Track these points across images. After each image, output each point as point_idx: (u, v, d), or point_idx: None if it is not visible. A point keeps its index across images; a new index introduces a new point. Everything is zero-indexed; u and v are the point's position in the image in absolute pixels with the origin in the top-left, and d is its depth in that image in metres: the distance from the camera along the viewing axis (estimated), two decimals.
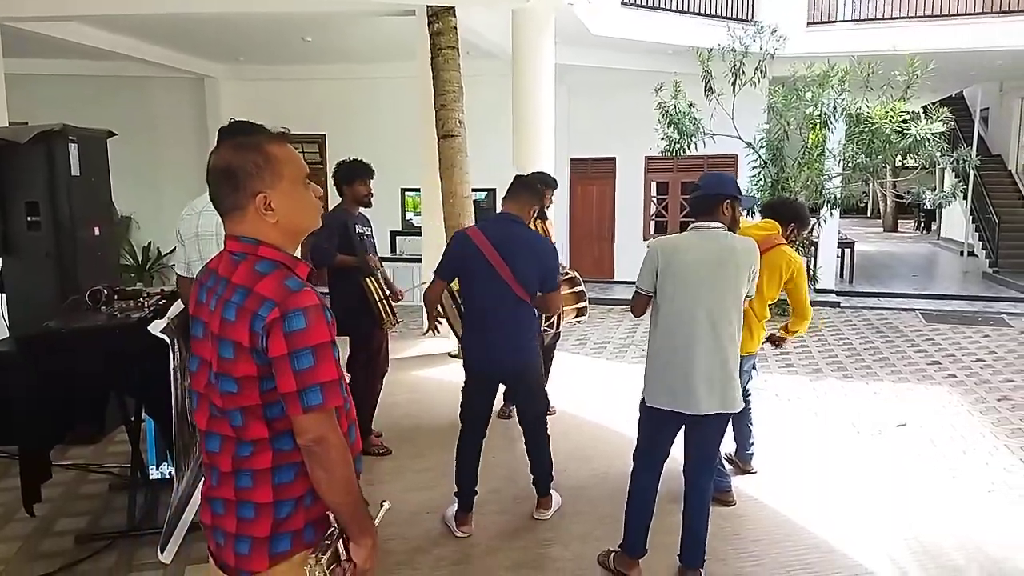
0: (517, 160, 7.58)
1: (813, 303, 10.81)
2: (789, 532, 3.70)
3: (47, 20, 8.05)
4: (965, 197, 14.13)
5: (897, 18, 11.41)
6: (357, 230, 4.45)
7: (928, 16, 11.23)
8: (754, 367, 4.20)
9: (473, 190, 6.97)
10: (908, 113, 8.97)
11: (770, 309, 4.06)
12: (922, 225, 24.14)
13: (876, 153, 9.21)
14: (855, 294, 12.11)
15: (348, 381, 4.48)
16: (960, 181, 13.63)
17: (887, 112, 8.86)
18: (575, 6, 8.18)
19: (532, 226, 4.77)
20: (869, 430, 5.47)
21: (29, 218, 4.71)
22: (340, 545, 1.59)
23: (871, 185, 11.29)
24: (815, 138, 9.52)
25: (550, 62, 7.55)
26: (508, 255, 3.38)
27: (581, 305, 5.11)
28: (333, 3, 7.38)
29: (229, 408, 1.53)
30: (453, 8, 6.70)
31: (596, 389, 6.24)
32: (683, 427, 3.12)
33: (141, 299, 3.84)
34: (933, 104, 10.49)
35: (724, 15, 11.03)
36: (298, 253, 1.70)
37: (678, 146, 9.55)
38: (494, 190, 11.23)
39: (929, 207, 16.77)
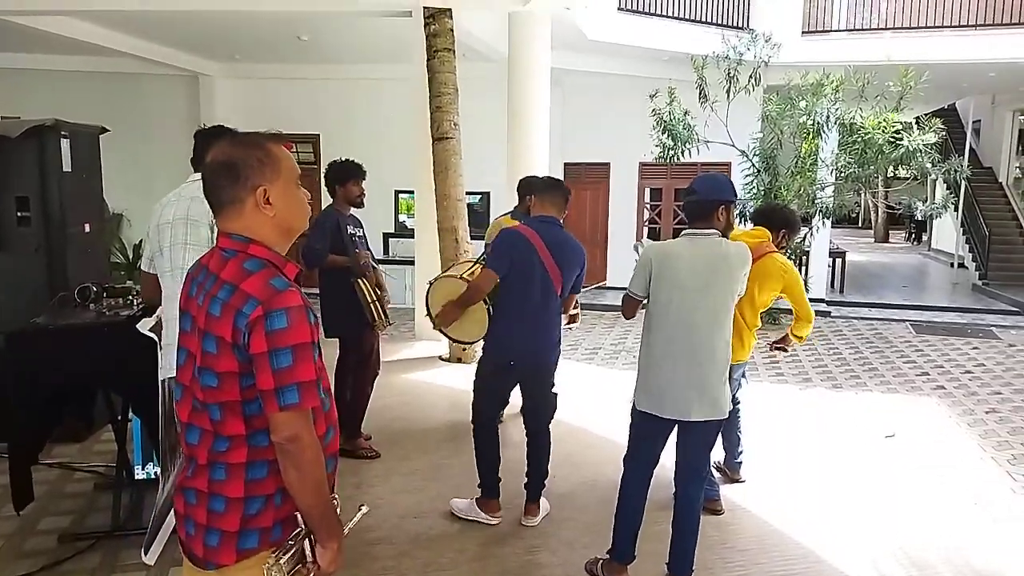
0: (511, 164, 7.58)
1: None
2: (777, 542, 3.70)
3: (40, 14, 8.00)
4: (956, 209, 14.22)
5: (891, 28, 11.47)
6: (349, 230, 4.43)
7: (922, 27, 11.30)
8: (744, 375, 4.20)
9: (467, 193, 6.96)
10: (901, 124, 9.02)
11: (760, 318, 4.06)
12: (913, 236, 24.28)
13: (868, 163, 9.26)
14: (845, 304, 12.17)
15: (336, 383, 4.46)
16: (951, 193, 13.74)
17: (880, 122, 8.90)
18: (571, 10, 8.19)
19: None
20: (858, 440, 5.48)
21: (19, 213, 4.67)
22: (307, 545, 1.61)
23: (863, 195, 11.30)
24: (808, 147, 9.56)
25: (546, 66, 7.57)
26: (560, 258, 3.56)
27: (573, 312, 5.10)
28: (330, 3, 7.37)
29: (209, 402, 1.56)
30: (450, 10, 6.70)
31: (587, 395, 6.22)
32: (673, 433, 3.11)
33: (130, 297, 3.82)
34: (925, 115, 10.54)
35: (719, 22, 11.06)
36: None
37: (672, 153, 9.57)
38: (488, 193, 11.24)
39: (920, 218, 16.84)
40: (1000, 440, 5.59)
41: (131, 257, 11.91)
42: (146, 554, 3.13)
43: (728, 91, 9.23)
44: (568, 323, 5.21)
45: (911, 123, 9.15)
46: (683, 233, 3.08)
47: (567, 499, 4.07)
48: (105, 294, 3.77)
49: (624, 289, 3.15)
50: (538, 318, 3.58)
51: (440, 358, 7.11)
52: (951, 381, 7.37)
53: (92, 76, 11.50)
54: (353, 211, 4.57)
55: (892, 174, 14.63)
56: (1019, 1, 10.86)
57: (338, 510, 1.67)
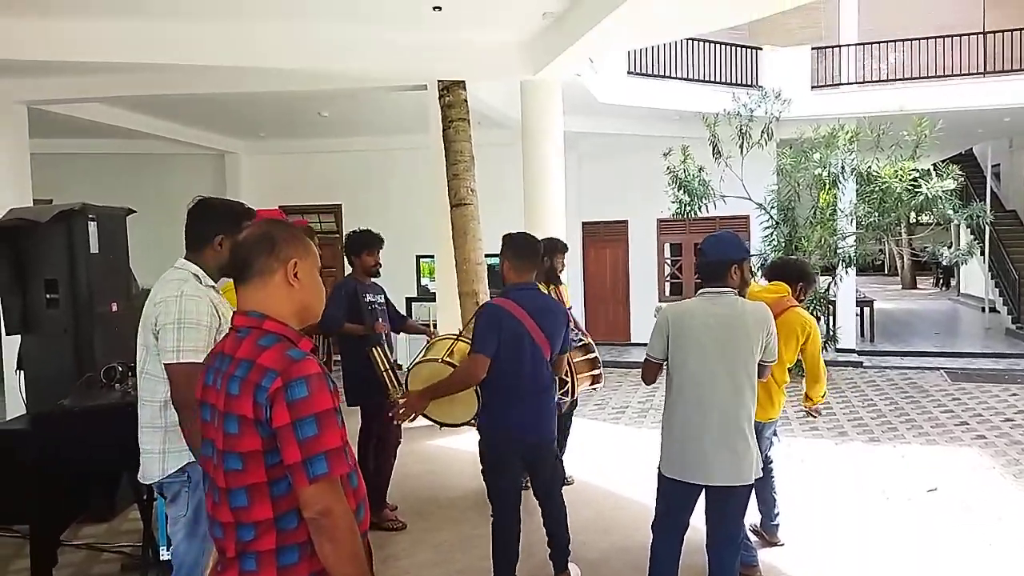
0: (528, 226, 7.64)
1: (835, 363, 10.62)
2: None
3: (73, 102, 8.35)
4: (982, 253, 14.03)
5: (902, 79, 11.58)
6: (367, 299, 4.47)
7: (932, 77, 11.40)
8: (775, 433, 4.10)
9: (486, 256, 7.02)
10: (918, 171, 8.99)
11: (789, 372, 4.00)
12: (941, 281, 23.95)
13: (888, 212, 9.21)
14: (877, 353, 11.93)
15: (359, 453, 4.41)
16: (976, 238, 13.57)
17: (896, 171, 8.89)
18: (582, 76, 8.38)
19: (547, 292, 4.81)
20: (899, 496, 5.28)
21: (48, 295, 4.77)
22: None
23: (886, 243, 11.21)
24: (826, 198, 9.54)
25: (559, 130, 7.70)
26: (545, 325, 3.43)
27: (596, 372, 5.07)
28: (350, 80, 7.61)
29: (234, 487, 1.53)
30: (463, 82, 6.89)
31: (615, 456, 6.12)
32: (702, 499, 3.02)
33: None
34: (943, 161, 10.53)
35: (728, 81, 11.25)
36: None
37: (689, 208, 9.61)
38: None
39: (946, 264, 16.65)
40: None
41: None
42: None
43: (741, 147, 9.31)
44: (591, 384, 5.19)
45: (929, 170, 9.12)
46: (699, 293, 3.05)
47: (598, 566, 3.96)
48: (131, 373, 3.79)
49: (646, 345, 3.10)
50: (532, 392, 3.41)
51: (456, 427, 7.03)
52: (992, 430, 7.14)
53: (121, 158, 11.91)
54: (376, 279, 4.64)
55: (915, 220, 14.52)
56: None
57: None
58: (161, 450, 2.52)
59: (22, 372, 4.92)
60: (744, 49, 11.65)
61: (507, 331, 3.32)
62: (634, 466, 5.59)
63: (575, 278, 12.41)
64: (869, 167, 9.24)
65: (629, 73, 10.26)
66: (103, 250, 4.93)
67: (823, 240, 9.46)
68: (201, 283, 2.47)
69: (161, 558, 3.77)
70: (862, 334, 13.02)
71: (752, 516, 4.07)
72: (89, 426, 3.42)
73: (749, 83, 11.17)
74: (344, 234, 11.81)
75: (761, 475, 3.08)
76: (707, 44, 11.24)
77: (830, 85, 11.73)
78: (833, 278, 10.00)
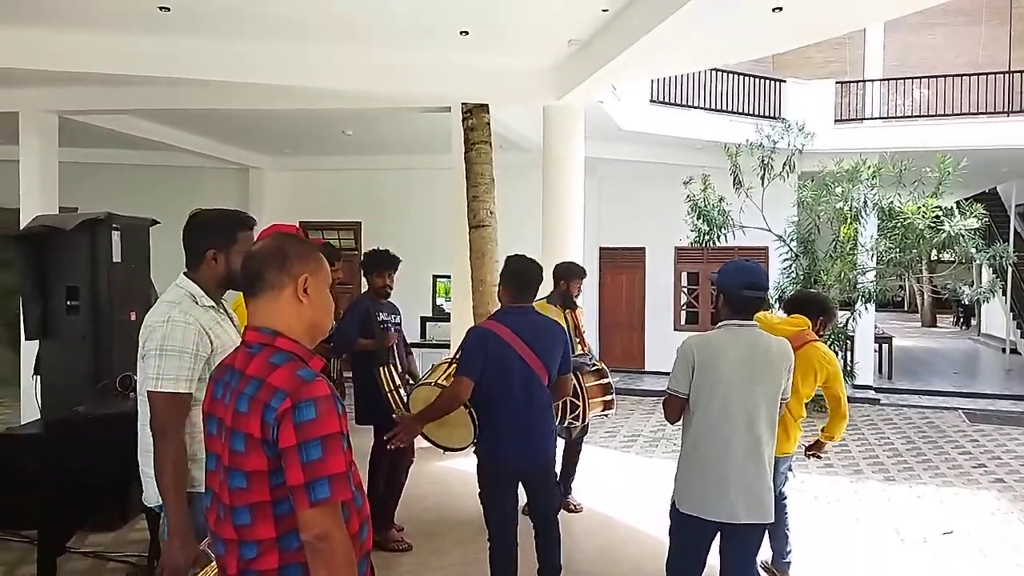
0: (546, 250, 7.66)
1: (852, 400, 10.50)
2: None
3: (103, 113, 8.51)
4: (1004, 293, 13.86)
5: (926, 116, 11.54)
6: (380, 317, 4.49)
7: (956, 114, 11.35)
8: (790, 468, 4.05)
9: None
10: (941, 209, 8.92)
11: (806, 407, 3.95)
12: (961, 320, 23.64)
13: (909, 248, 9.13)
14: (895, 391, 11.76)
15: (370, 471, 4.39)
16: (998, 277, 13.41)
17: (919, 208, 8.83)
18: (605, 103, 8.43)
19: (563, 316, 4.79)
20: (914, 537, 5.18)
21: (69, 302, 4.83)
22: None
23: (906, 280, 11.10)
24: (847, 232, 9.49)
25: (580, 156, 7.73)
26: (537, 345, 3.36)
27: (608, 398, 5.03)
28: (375, 101, 7.71)
29: (237, 505, 1.52)
30: (487, 105, 6.96)
31: (625, 486, 6.05)
32: (717, 538, 2.96)
33: None
34: (966, 200, 10.44)
35: (751, 112, 11.26)
36: None
37: (708, 237, 9.59)
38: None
39: (967, 303, 16.45)
40: None
41: None
42: None
43: (762, 178, 9.29)
44: (604, 410, 5.15)
45: (952, 208, 9.05)
46: (721, 325, 2.96)
47: None
48: None
49: (660, 373, 3.05)
50: (525, 416, 3.36)
51: (475, 443, 7.00)
52: (1011, 473, 7.00)
53: (148, 169, 12.09)
54: (392, 299, 4.67)
55: (936, 258, 14.40)
56: None
57: None
58: (149, 474, 2.46)
59: (39, 377, 4.97)
60: (768, 81, 11.67)
61: (493, 354, 3.28)
62: (645, 497, 5.52)
63: (591, 303, 12.37)
64: (891, 203, 9.18)
65: (652, 101, 10.30)
66: (125, 259, 5.00)
67: (843, 274, 9.39)
68: (197, 303, 2.31)
69: None
70: (880, 371, 12.86)
71: (764, 553, 4.01)
72: (102, 434, 3.44)
73: (772, 115, 11.18)
74: (362, 252, 11.93)
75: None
76: (731, 75, 11.27)
77: (853, 119, 11.70)
78: (852, 313, 9.90)
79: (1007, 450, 7.96)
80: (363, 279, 4.77)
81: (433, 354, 9.88)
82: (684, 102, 10.78)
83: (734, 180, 9.44)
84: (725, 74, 11.20)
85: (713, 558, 3.04)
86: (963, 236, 8.75)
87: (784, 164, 9.31)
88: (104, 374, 4.42)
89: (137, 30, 6.07)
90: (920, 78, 11.99)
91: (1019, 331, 14.96)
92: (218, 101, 7.79)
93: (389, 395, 4.24)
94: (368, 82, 6.96)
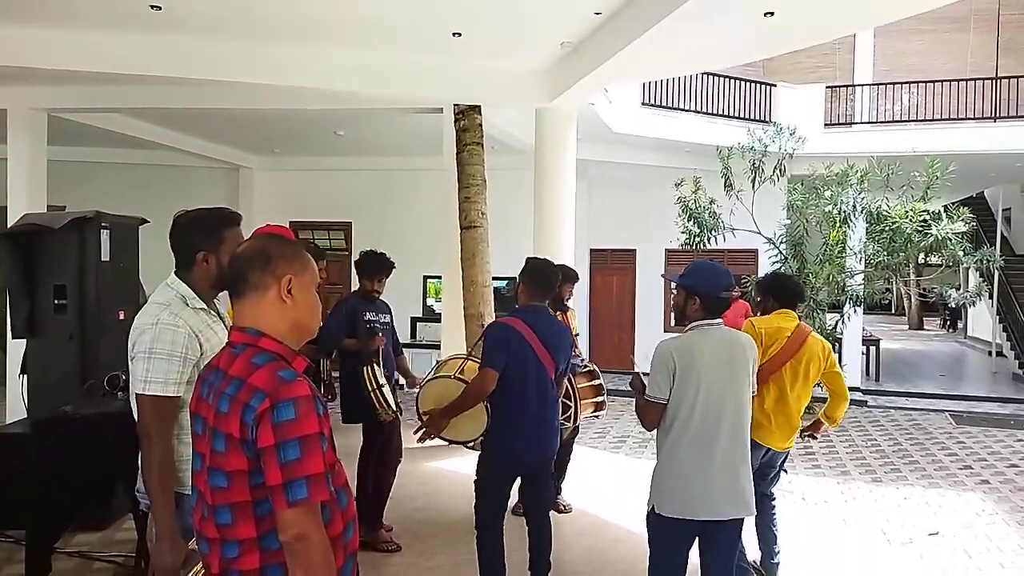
0: (537, 251, 7.66)
1: None
2: None
3: (92, 111, 8.46)
4: (991, 297, 13.97)
5: (915, 121, 11.63)
6: (367, 317, 4.49)
7: (945, 119, 11.45)
8: (784, 467, 4.09)
9: (495, 278, 7.06)
10: (928, 213, 8.99)
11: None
12: (948, 323, 23.82)
13: (897, 252, 9.19)
14: (882, 393, 11.85)
15: (359, 471, 4.38)
16: (985, 281, 13.52)
17: (907, 212, 8.90)
18: (596, 106, 8.45)
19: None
20: (900, 538, 5.22)
21: (56, 301, 4.80)
22: None
23: (894, 283, 11.18)
24: (836, 235, 9.54)
25: (572, 158, 7.75)
26: (551, 346, 3.53)
27: (600, 399, 5.05)
28: (367, 102, 7.70)
29: (219, 504, 1.52)
30: (479, 107, 6.97)
31: (615, 487, 6.06)
32: (697, 538, 2.96)
33: None
34: (954, 204, 10.53)
35: (742, 116, 11.32)
36: None
37: (698, 239, 9.62)
38: (515, 278, 11.32)
39: (953, 306, 16.59)
40: None
41: None
42: None
43: (753, 181, 9.33)
44: (595, 411, 5.16)
45: (939, 212, 9.12)
46: (694, 326, 2.97)
47: None
48: None
49: (648, 386, 2.97)
50: (537, 412, 3.52)
51: (465, 446, 7.00)
52: (996, 475, 7.06)
53: (137, 168, 12.04)
54: (383, 298, 4.66)
55: (923, 261, 14.50)
56: None
57: None
58: None
59: (25, 376, 4.94)
60: (759, 85, 11.73)
61: (514, 349, 3.43)
62: (634, 497, 5.51)
63: (581, 304, 12.39)
64: (879, 206, 9.24)
65: (643, 104, 10.34)
66: (114, 258, 4.98)
67: (831, 277, 9.45)
68: (188, 305, 2.28)
69: None
70: (867, 373, 12.94)
71: (752, 552, 4.02)
72: (89, 433, 3.42)
73: (762, 119, 11.24)
74: (353, 252, 11.91)
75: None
76: (722, 79, 11.33)
77: (843, 124, 11.78)
78: (840, 316, 9.96)
79: (992, 452, 8.03)
80: (355, 278, 4.77)
81: (423, 354, 9.88)
82: (675, 105, 10.82)
83: (725, 183, 9.48)
84: (716, 78, 11.26)
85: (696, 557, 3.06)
86: (950, 240, 8.82)
87: (775, 167, 9.36)
88: (91, 373, 4.39)
89: (128, 28, 6.03)
90: (909, 83, 12.09)
91: (1005, 334, 15.08)
92: (209, 100, 7.76)
93: (372, 394, 4.25)
94: (360, 83, 6.94)
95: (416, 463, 6.23)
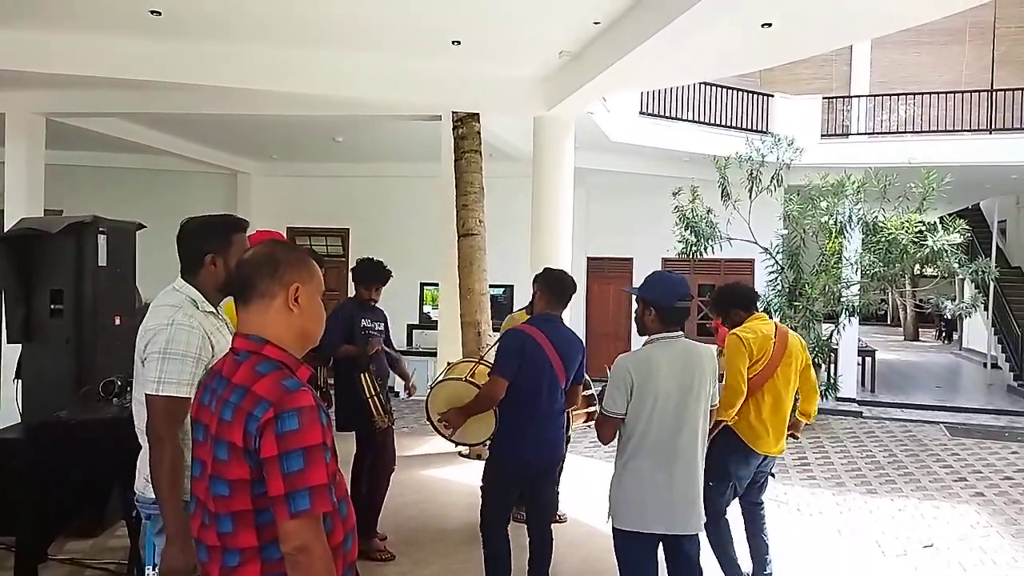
0: (535, 258, 7.67)
1: (835, 412, 10.56)
2: None
3: (91, 116, 8.46)
4: (986, 308, 14.01)
5: (911, 132, 11.68)
6: (363, 324, 4.49)
7: (941, 131, 11.51)
8: (772, 472, 4.08)
9: (492, 286, 7.07)
10: (924, 224, 9.03)
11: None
12: (944, 335, 23.87)
13: (893, 262, 9.22)
14: (877, 404, 11.86)
15: (352, 479, 4.37)
16: (980, 292, 13.57)
17: (903, 223, 8.93)
18: (594, 114, 8.48)
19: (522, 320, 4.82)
20: (895, 551, 5.22)
21: (52, 305, 4.78)
22: None
23: (890, 294, 11.21)
24: (832, 246, 9.58)
25: (569, 166, 7.77)
26: (565, 355, 3.57)
27: (592, 409, 5.03)
28: (366, 108, 7.71)
29: (221, 512, 1.51)
30: (477, 115, 6.98)
31: (607, 495, 6.04)
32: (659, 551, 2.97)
33: None
34: (950, 215, 10.57)
35: (739, 126, 11.36)
36: None
37: (695, 249, 9.64)
38: (512, 286, 11.34)
39: (949, 317, 16.63)
40: None
41: None
42: None
43: (750, 191, 9.36)
44: (587, 420, 5.15)
45: (935, 223, 9.16)
46: (653, 339, 2.96)
47: None
48: (129, 388, 3.79)
49: (604, 400, 2.96)
50: (547, 417, 3.57)
51: (460, 454, 6.99)
52: (990, 487, 7.06)
53: (134, 172, 12.03)
54: (380, 305, 4.66)
55: (919, 272, 14.56)
56: None
57: None
58: (149, 477, 2.46)
59: (19, 380, 4.92)
60: (756, 95, 11.78)
61: (528, 356, 3.47)
62: None
63: (577, 313, 12.40)
64: (876, 217, 9.28)
65: (641, 113, 10.37)
66: (111, 263, 4.96)
67: (827, 288, 9.47)
68: (198, 308, 2.30)
69: None
70: (863, 384, 12.96)
71: (745, 565, 4.02)
72: (83, 439, 3.41)
73: (759, 129, 11.28)
74: (350, 259, 11.90)
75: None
76: (719, 89, 11.37)
77: (839, 135, 11.83)
78: (836, 326, 9.98)
79: (987, 464, 8.03)
80: (351, 284, 4.75)
81: (420, 362, 9.85)
82: (673, 114, 10.86)
83: (722, 192, 9.51)
84: (714, 88, 11.30)
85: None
86: (946, 251, 8.84)
87: (772, 178, 9.39)
88: (87, 378, 4.37)
89: (127, 33, 6.04)
90: (905, 95, 12.16)
91: (1000, 346, 15.12)
92: (207, 106, 7.77)
93: (369, 401, 4.25)
94: (359, 89, 6.96)
95: (410, 471, 6.21)
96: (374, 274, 4.57)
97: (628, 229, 12.64)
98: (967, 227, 9.16)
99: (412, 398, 4.59)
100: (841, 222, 9.34)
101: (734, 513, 3.98)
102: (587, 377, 5.20)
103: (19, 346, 4.98)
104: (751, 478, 3.90)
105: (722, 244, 9.54)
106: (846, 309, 9.67)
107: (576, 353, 3.69)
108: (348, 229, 12.59)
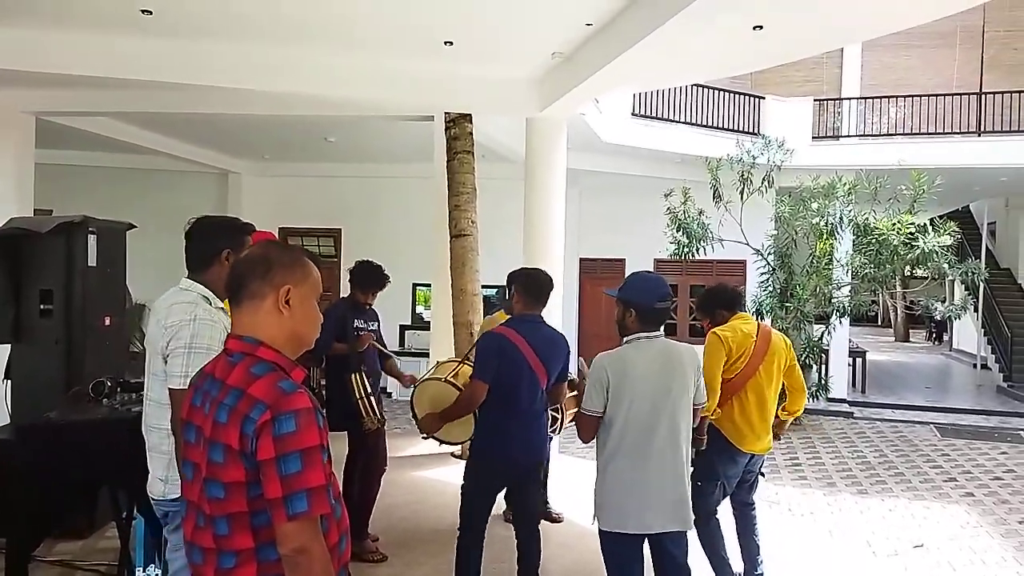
0: (527, 260, 7.67)
1: (825, 413, 10.60)
2: None
3: (81, 115, 8.41)
4: (976, 310, 14.10)
5: (901, 134, 11.75)
6: (356, 323, 4.48)
7: (932, 133, 11.57)
8: (762, 472, 4.10)
9: (485, 286, 7.06)
10: (915, 225, 9.08)
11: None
12: (933, 336, 24.00)
13: (884, 264, 9.27)
14: (868, 405, 11.92)
15: (344, 480, 4.37)
16: (970, 294, 13.65)
17: (894, 224, 8.98)
18: (587, 116, 8.48)
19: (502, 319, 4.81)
20: (885, 550, 5.25)
21: (42, 305, 4.75)
22: None
23: (880, 295, 11.27)
24: (823, 247, 9.62)
25: (562, 167, 7.77)
26: (546, 356, 3.55)
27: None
28: (358, 108, 7.69)
29: (216, 515, 1.50)
30: (470, 115, 6.97)
31: None
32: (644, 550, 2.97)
33: (143, 392, 3.81)
34: (940, 217, 10.64)
35: (731, 128, 11.39)
36: None
37: (687, 250, 9.67)
38: (503, 287, 11.33)
39: (939, 318, 16.72)
40: None
41: None
42: None
43: (742, 193, 9.40)
44: (572, 420, 5.16)
45: (925, 225, 9.21)
46: (631, 339, 2.96)
47: None
48: (119, 389, 3.77)
49: (583, 399, 2.97)
50: (527, 420, 3.56)
51: (452, 455, 6.99)
52: (980, 487, 7.11)
53: (125, 172, 11.95)
54: (372, 306, 4.66)
55: (910, 274, 14.64)
56: None
57: None
58: (165, 477, 2.44)
59: (9, 381, 4.88)
60: (747, 97, 11.82)
61: (506, 358, 3.46)
62: None
63: (570, 314, 12.41)
64: (866, 219, 9.32)
65: (633, 115, 10.39)
66: (101, 263, 4.93)
67: (818, 289, 9.52)
68: (211, 305, 2.35)
69: None
70: (853, 384, 13.02)
71: (736, 565, 4.03)
72: (73, 440, 3.38)
73: (751, 131, 11.32)
74: (342, 259, 11.88)
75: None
76: (711, 91, 11.40)
77: (830, 137, 11.89)
78: (827, 327, 10.03)
79: (976, 464, 8.09)
80: (347, 284, 4.74)
81: (412, 363, 9.83)
82: (665, 116, 10.88)
83: (713, 194, 9.55)
84: (706, 90, 11.33)
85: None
86: (936, 253, 8.90)
87: (763, 179, 9.43)
88: (76, 379, 4.34)
89: (118, 32, 6.00)
90: (896, 98, 12.23)
91: (990, 347, 15.22)
92: (198, 105, 7.73)
93: (360, 402, 4.25)
94: (351, 89, 6.94)
95: (401, 472, 6.20)
96: (373, 278, 4.56)
97: (620, 230, 12.66)
98: (957, 229, 9.23)
99: (406, 390, 4.58)
100: (832, 224, 9.39)
101: (725, 514, 3.99)
102: (575, 376, 5.21)
103: (8, 347, 4.94)
104: (740, 477, 3.92)
105: (714, 245, 9.57)
106: (837, 310, 9.72)
107: (558, 352, 3.67)
108: (340, 230, 12.56)
